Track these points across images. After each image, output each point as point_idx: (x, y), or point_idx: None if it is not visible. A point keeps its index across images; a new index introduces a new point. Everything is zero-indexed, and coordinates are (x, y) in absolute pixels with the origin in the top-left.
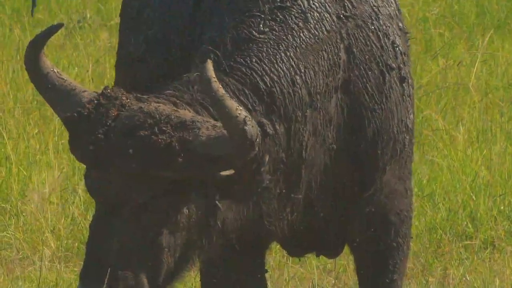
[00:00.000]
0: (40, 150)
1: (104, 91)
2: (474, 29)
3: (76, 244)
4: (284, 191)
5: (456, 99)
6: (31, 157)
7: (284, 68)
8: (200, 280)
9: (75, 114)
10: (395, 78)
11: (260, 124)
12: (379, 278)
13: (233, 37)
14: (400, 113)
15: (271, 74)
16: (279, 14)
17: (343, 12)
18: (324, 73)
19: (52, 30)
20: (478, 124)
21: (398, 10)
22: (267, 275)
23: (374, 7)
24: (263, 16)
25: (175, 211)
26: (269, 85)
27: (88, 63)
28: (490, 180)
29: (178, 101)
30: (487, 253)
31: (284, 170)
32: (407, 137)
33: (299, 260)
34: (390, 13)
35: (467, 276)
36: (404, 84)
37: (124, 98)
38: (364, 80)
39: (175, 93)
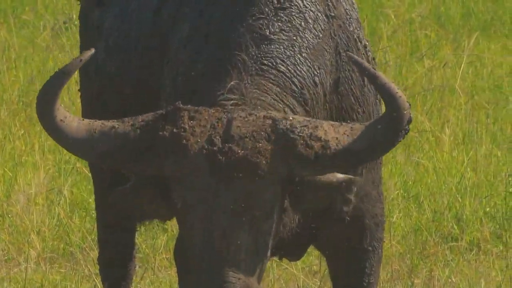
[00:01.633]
0: (25, 151)
1: (178, 107)
2: (460, 30)
3: (62, 245)
4: None
5: (442, 101)
6: (17, 158)
7: (305, 70)
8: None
9: (172, 131)
10: None
11: None
12: (356, 281)
13: (252, 38)
14: (374, 116)
15: (298, 77)
16: (282, 14)
17: (328, 11)
18: (328, 73)
19: (81, 59)
20: (464, 126)
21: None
22: None
23: (347, 10)
24: (268, 17)
25: (275, 212)
26: (299, 87)
27: None
28: (476, 181)
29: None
30: (472, 254)
31: None
32: None
33: (280, 260)
34: (357, 18)
35: (452, 277)
36: None
37: (209, 111)
38: (349, 81)
39: (240, 104)
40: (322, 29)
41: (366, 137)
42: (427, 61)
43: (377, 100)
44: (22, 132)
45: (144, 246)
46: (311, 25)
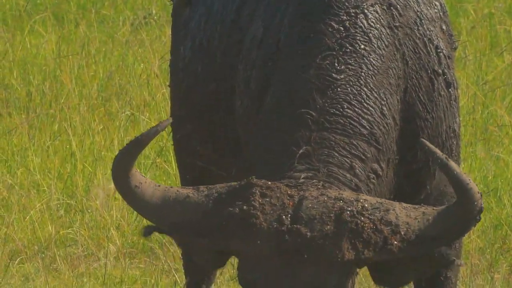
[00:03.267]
0: (105, 146)
1: (251, 182)
2: None
3: (141, 241)
4: None
5: None
6: (96, 153)
7: (372, 103)
8: None
9: (242, 208)
10: (442, 84)
11: (373, 171)
12: (433, 276)
13: (318, 88)
14: (448, 119)
15: (366, 116)
16: (347, 45)
17: (393, 22)
18: (394, 90)
19: (157, 129)
20: None
21: (443, 12)
22: None
23: (418, 12)
24: (334, 53)
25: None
26: (368, 128)
27: (154, 59)
28: None
29: (328, 185)
30: None
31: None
32: (454, 142)
33: None
34: (432, 16)
35: None
36: (450, 89)
37: (282, 187)
38: (417, 89)
39: (312, 175)
40: (385, 45)
41: (437, 225)
42: (507, 56)
43: (452, 102)
44: (101, 127)
45: None
46: (375, 45)
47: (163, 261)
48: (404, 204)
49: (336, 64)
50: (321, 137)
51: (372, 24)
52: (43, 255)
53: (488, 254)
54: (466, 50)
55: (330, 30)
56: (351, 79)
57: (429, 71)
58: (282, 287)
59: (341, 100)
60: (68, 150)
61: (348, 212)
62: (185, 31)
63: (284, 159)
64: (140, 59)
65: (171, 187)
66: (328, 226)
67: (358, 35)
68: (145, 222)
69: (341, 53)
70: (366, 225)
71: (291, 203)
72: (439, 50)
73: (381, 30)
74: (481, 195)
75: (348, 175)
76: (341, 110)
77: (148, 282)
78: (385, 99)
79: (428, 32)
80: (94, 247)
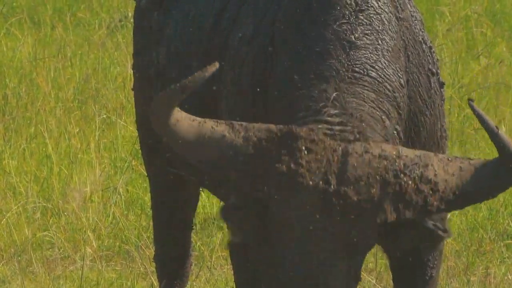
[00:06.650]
0: (81, 149)
1: (293, 132)
2: None
3: (117, 244)
4: None
5: (498, 99)
6: (72, 156)
7: (391, 72)
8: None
9: (290, 166)
10: (436, 84)
11: (397, 132)
12: (418, 275)
13: (341, 45)
14: (441, 118)
15: (388, 81)
16: (362, 17)
17: (397, 13)
18: (404, 74)
19: (205, 75)
20: None
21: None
22: None
23: (412, 12)
24: (350, 22)
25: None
26: (391, 91)
27: (130, 62)
28: None
29: (368, 136)
30: None
31: None
32: (446, 142)
33: None
34: (421, 20)
35: (509, 275)
36: (442, 90)
37: (325, 141)
38: (417, 84)
39: (346, 121)
40: (395, 31)
41: (474, 182)
42: (483, 58)
43: (442, 101)
44: (78, 130)
45: (199, 244)
46: (387, 27)
47: (139, 264)
48: (440, 156)
49: (354, 32)
50: (349, 90)
51: (382, 7)
52: (19, 258)
53: (464, 257)
54: (442, 53)
55: (343, 3)
56: (370, 47)
57: (426, 69)
58: (317, 238)
59: (363, 61)
60: (44, 153)
61: (392, 173)
62: (158, 37)
63: (314, 104)
64: (116, 62)
65: (205, 122)
66: (374, 189)
67: (372, 13)
68: (121, 225)
69: (356, 23)
70: (409, 185)
71: (335, 159)
72: (432, 51)
73: (390, 16)
74: None
75: (379, 125)
76: (365, 71)
77: (125, 285)
78: (400, 75)
79: (421, 32)
80: (71, 250)
